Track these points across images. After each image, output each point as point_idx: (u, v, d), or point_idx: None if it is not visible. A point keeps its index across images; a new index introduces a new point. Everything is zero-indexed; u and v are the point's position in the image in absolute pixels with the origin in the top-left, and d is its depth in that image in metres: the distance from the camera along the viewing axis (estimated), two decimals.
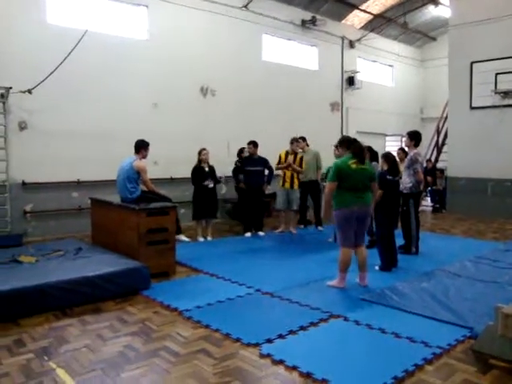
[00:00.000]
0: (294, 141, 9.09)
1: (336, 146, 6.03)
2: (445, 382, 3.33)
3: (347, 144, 5.64)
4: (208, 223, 8.58)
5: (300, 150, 9.21)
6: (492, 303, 4.14)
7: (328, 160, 11.73)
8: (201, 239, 8.38)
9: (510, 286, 5.47)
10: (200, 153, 8.34)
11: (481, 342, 3.77)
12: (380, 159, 6.78)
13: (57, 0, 8.70)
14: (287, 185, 8.97)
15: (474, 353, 3.75)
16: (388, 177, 6.42)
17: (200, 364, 3.57)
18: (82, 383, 3.27)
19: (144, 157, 6.60)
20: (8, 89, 7.92)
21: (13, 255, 5.85)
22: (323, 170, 9.34)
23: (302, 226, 9.75)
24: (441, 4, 14.30)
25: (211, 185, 8.31)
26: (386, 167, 6.55)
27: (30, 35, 8.22)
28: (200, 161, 8.32)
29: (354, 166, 5.36)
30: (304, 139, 9.56)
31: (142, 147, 6.55)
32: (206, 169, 8.32)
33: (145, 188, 6.55)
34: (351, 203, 5.33)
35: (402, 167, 7.41)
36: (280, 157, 9.03)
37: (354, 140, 5.77)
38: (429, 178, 12.24)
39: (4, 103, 7.99)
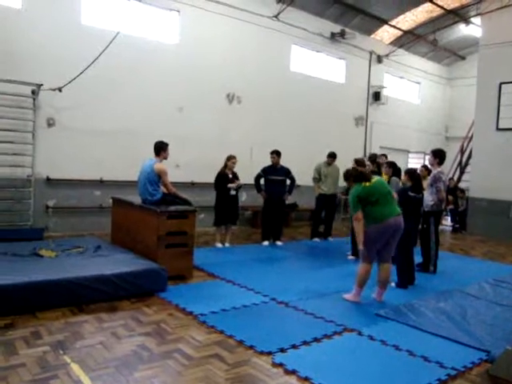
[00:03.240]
0: (377, 157, 9.04)
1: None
2: None
3: (350, 178, 5.57)
4: (228, 229, 8.61)
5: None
6: (510, 327, 4.07)
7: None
8: (219, 245, 8.40)
9: None
10: (229, 159, 8.32)
11: (497, 367, 3.70)
12: (403, 175, 6.74)
13: (91, 2, 8.89)
14: None
15: (489, 377, 3.69)
16: (410, 193, 6.38)
17: (212, 369, 3.58)
18: (95, 379, 3.30)
19: (165, 158, 6.58)
20: (39, 86, 8.10)
21: (34, 248, 5.96)
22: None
23: (318, 240, 9.70)
24: (472, 23, 14.19)
25: (233, 192, 8.33)
26: (409, 183, 6.51)
27: (63, 35, 8.42)
28: (226, 167, 8.35)
29: (367, 184, 5.35)
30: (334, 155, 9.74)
31: (161, 149, 6.52)
32: (230, 176, 8.34)
33: (166, 190, 6.60)
34: (386, 216, 5.28)
35: (424, 184, 7.35)
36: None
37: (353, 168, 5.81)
38: (450, 198, 12.10)
39: (34, 99, 8.16)
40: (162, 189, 6.50)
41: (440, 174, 7.17)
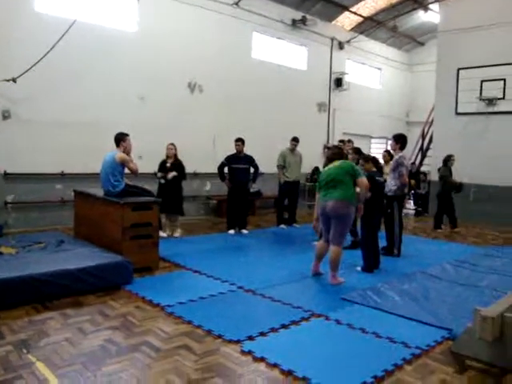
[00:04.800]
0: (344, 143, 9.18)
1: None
2: (423, 381, 3.40)
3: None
4: (174, 220, 8.54)
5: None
6: (471, 306, 4.18)
7: (314, 159, 11.83)
8: (163, 235, 8.01)
9: (489, 290, 5.55)
10: (166, 147, 8.45)
11: (459, 344, 3.80)
12: (362, 162, 6.84)
13: None
14: None
15: (452, 354, 3.79)
16: (377, 178, 6.47)
17: (181, 360, 3.56)
18: (62, 377, 3.24)
19: (125, 149, 6.39)
20: None
21: None
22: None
23: (284, 226, 9.77)
24: (430, 10, 14.41)
25: (162, 180, 8.31)
26: (374, 169, 6.61)
27: (16, 23, 8.09)
28: (166, 155, 8.43)
29: (325, 168, 6.03)
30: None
31: (121, 140, 6.39)
32: (168, 164, 8.35)
33: (128, 182, 6.51)
34: (321, 199, 5.77)
35: (387, 169, 7.45)
36: None
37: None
38: (412, 181, 12.33)
39: None
40: (126, 180, 6.40)
41: (402, 159, 7.29)
